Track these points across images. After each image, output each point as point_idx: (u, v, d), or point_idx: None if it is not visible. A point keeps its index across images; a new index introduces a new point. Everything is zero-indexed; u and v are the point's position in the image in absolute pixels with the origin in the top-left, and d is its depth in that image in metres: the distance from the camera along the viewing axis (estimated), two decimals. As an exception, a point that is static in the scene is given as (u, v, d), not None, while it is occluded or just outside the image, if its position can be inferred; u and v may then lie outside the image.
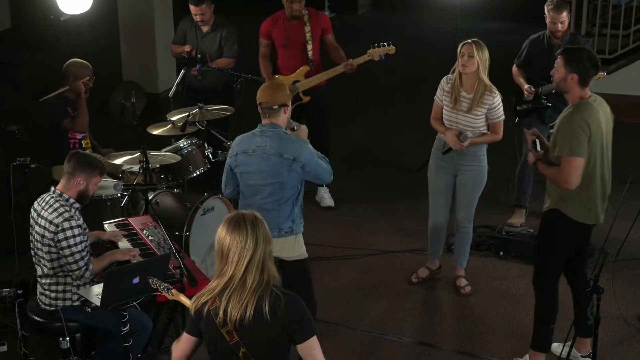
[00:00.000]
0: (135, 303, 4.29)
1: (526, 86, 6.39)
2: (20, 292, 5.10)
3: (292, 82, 6.90)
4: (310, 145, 4.72)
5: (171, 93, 6.80)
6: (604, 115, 4.72)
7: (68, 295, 4.66)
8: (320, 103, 7.00)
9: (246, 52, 7.29)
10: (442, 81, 5.70)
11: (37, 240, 4.61)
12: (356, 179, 7.74)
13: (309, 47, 6.87)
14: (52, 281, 4.65)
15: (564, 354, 4.79)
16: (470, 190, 5.74)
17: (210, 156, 6.15)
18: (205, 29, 7.08)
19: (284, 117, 4.68)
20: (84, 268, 4.57)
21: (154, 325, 4.85)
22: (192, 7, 6.99)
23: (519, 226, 6.59)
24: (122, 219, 5.33)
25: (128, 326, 4.22)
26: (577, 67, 4.63)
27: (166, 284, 3.92)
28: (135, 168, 5.66)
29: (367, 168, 8.03)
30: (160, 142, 6.44)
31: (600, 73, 6.24)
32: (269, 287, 3.27)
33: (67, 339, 4.62)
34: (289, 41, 6.88)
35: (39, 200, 4.68)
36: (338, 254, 6.46)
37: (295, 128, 4.79)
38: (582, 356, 5.08)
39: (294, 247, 4.76)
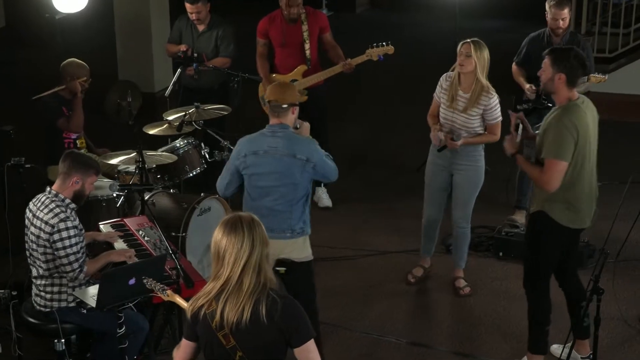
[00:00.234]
0: (131, 304, 4.28)
1: (527, 85, 6.35)
2: (14, 293, 5.07)
3: (290, 81, 6.86)
4: (318, 145, 4.70)
5: (167, 92, 6.79)
6: (591, 117, 4.70)
7: (63, 296, 4.63)
8: (318, 103, 6.97)
9: (244, 51, 7.26)
10: (441, 78, 5.70)
11: (32, 241, 4.58)
12: (355, 179, 7.71)
13: (307, 46, 6.84)
14: (47, 282, 4.62)
15: (564, 356, 4.77)
16: (465, 190, 5.72)
17: (207, 156, 6.13)
18: (201, 28, 7.05)
19: (292, 117, 4.67)
20: (78, 270, 4.54)
21: (150, 326, 4.83)
22: (187, 5, 6.96)
23: (519, 226, 6.55)
24: (118, 219, 5.30)
25: (124, 328, 4.21)
26: (565, 66, 4.59)
27: (161, 285, 3.91)
28: (131, 168, 5.64)
29: (366, 168, 8.00)
30: (157, 142, 6.42)
31: (601, 76, 6.23)
32: (266, 290, 3.25)
33: (63, 340, 4.60)
34: (286, 40, 6.85)
35: (34, 200, 4.65)
36: (336, 255, 6.43)
37: (299, 126, 4.75)
38: (582, 358, 5.05)
39: (304, 248, 4.74)
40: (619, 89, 8.47)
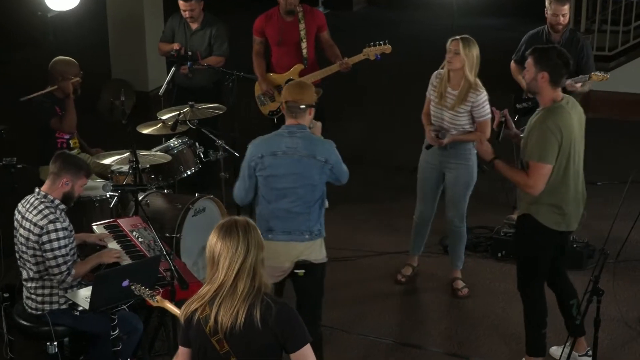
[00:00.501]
0: (124, 307, 4.23)
1: (526, 84, 6.29)
2: (6, 295, 5.01)
3: (286, 81, 6.82)
4: (335, 147, 4.64)
5: (161, 91, 6.76)
6: (577, 119, 4.66)
7: (55, 298, 4.59)
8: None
9: (240, 50, 7.20)
10: (432, 76, 5.69)
11: (21, 243, 4.54)
12: (352, 179, 7.58)
13: (304, 44, 6.80)
14: (38, 285, 4.57)
15: (564, 357, 4.74)
16: (457, 189, 5.70)
17: (202, 156, 6.09)
18: (194, 26, 7.00)
19: (308, 118, 4.61)
20: (66, 273, 4.50)
21: (144, 328, 4.79)
22: (181, 3, 6.93)
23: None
24: (111, 220, 5.25)
25: (117, 330, 4.18)
26: (547, 65, 4.56)
27: (150, 291, 3.87)
28: (125, 168, 5.60)
29: (363, 168, 7.95)
30: (151, 142, 6.36)
31: (603, 74, 6.18)
32: (260, 295, 3.22)
33: (55, 343, 4.56)
34: (283, 39, 6.80)
35: (22, 202, 4.62)
36: (334, 256, 6.35)
37: (312, 126, 4.69)
38: (579, 355, 5.03)
39: (321, 250, 4.70)
40: (618, 88, 8.44)
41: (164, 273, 4.48)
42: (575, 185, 4.70)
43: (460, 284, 5.89)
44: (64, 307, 4.58)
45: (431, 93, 5.66)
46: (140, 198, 5.40)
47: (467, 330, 5.50)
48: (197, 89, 6.88)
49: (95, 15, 10.11)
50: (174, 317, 4.66)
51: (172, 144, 6.03)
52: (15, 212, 4.60)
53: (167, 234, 5.34)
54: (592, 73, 6.12)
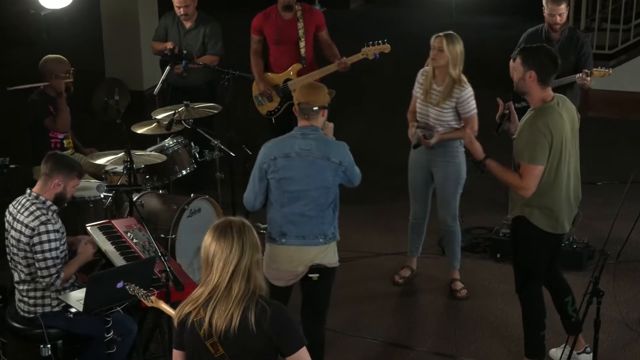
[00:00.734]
0: (119, 309, 4.21)
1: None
2: (-2, 297, 4.98)
3: (284, 80, 6.81)
4: (349, 149, 4.60)
5: (156, 90, 6.72)
6: (568, 118, 4.62)
7: (47, 301, 4.55)
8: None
9: (236, 49, 7.15)
10: (418, 74, 5.68)
11: (13, 245, 4.50)
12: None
13: (302, 44, 6.78)
14: (30, 287, 4.54)
15: (564, 358, 4.74)
16: (446, 188, 5.67)
17: (197, 156, 6.06)
18: (188, 24, 6.96)
19: (321, 120, 4.57)
20: (55, 276, 4.46)
21: (139, 330, 4.76)
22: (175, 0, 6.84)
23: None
24: (106, 221, 5.21)
25: (112, 332, 4.16)
26: (535, 63, 4.52)
27: (144, 291, 3.84)
28: (119, 168, 5.56)
29: (362, 168, 7.86)
30: (145, 141, 6.33)
31: (604, 70, 6.13)
32: (255, 297, 3.17)
33: (48, 346, 4.52)
34: (281, 37, 6.77)
35: (14, 203, 4.58)
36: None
37: (324, 127, 4.65)
38: (578, 353, 5.01)
39: (334, 253, 4.65)
40: (618, 86, 8.40)
41: (159, 274, 4.46)
42: (567, 186, 4.66)
43: (458, 285, 5.86)
44: (56, 309, 4.54)
45: (417, 90, 5.65)
46: (135, 199, 5.37)
47: (465, 332, 5.47)
48: (191, 88, 6.84)
49: (89, 13, 10.07)
50: (169, 319, 4.64)
51: (167, 144, 6.00)
52: (6, 213, 4.56)
53: (162, 235, 5.31)
54: (594, 69, 6.08)
